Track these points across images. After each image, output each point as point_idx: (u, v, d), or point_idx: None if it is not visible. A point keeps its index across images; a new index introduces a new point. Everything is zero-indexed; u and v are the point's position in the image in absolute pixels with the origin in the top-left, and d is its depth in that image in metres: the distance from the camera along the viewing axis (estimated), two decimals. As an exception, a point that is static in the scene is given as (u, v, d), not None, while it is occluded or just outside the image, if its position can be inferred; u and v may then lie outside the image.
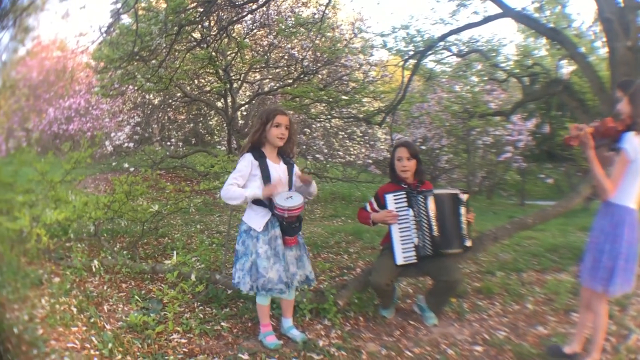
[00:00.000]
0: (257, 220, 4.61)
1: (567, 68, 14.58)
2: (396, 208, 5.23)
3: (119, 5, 8.55)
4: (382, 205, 5.34)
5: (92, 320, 5.01)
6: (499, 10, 9.29)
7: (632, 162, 3.99)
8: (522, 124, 17.17)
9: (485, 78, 17.04)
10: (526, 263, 7.67)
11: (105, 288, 6.15)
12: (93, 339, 4.57)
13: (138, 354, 4.42)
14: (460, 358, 4.67)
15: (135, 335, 4.77)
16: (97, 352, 4.34)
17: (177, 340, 4.78)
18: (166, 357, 4.41)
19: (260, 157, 4.61)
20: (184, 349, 4.61)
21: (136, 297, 5.79)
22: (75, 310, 5.23)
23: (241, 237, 4.70)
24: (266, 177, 4.57)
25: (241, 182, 4.54)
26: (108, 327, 4.95)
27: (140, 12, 8.72)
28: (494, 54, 15.85)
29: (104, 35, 9.73)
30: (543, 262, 7.71)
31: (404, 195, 5.25)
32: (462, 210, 5.23)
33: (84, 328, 4.82)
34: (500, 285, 6.61)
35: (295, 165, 4.93)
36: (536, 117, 17.27)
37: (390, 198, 5.28)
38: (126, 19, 9.84)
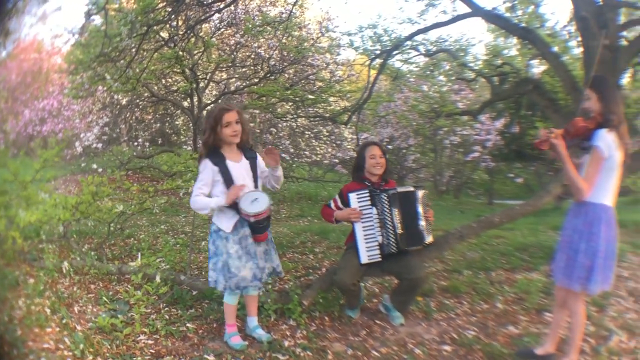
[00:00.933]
0: (226, 222, 4.56)
1: (538, 67, 14.58)
2: (360, 207, 5.19)
3: (92, 7, 8.42)
4: (346, 203, 5.29)
5: (64, 321, 4.88)
6: (468, 10, 9.19)
7: (606, 159, 3.85)
8: (490, 123, 17.19)
9: (453, 78, 16.98)
10: (495, 262, 7.58)
11: (75, 289, 6.00)
12: (66, 339, 4.47)
13: (108, 355, 4.36)
14: (428, 358, 4.56)
15: (104, 336, 4.70)
16: (70, 353, 4.27)
17: (144, 341, 4.71)
18: (134, 358, 4.36)
19: (220, 161, 4.53)
20: (151, 350, 4.55)
21: (104, 298, 5.66)
22: (48, 311, 5.09)
23: (212, 237, 4.66)
24: (228, 181, 4.52)
25: (206, 190, 4.49)
26: (79, 328, 4.82)
27: (111, 13, 8.59)
28: (462, 54, 15.80)
29: (76, 36, 9.59)
30: (512, 261, 7.61)
31: (367, 194, 5.20)
32: (420, 206, 5.24)
33: (57, 329, 4.71)
34: (467, 284, 6.51)
35: (259, 157, 4.85)
36: (505, 117, 17.29)
37: (353, 197, 5.22)
38: (99, 20, 9.72)
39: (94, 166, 12.39)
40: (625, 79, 11.52)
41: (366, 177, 5.44)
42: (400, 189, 5.26)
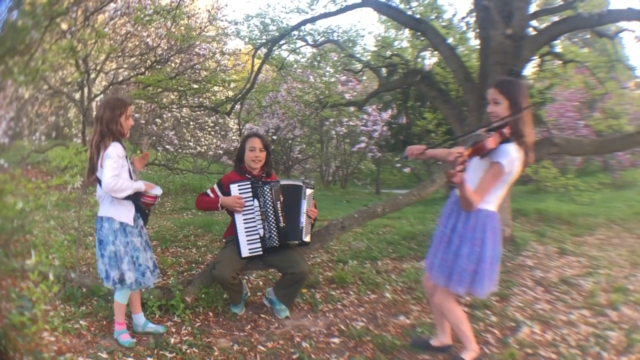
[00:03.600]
0: (127, 215, 4.47)
1: (430, 59, 14.68)
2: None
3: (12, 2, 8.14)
4: (227, 194, 5.18)
5: (-13, 317, 4.73)
6: (358, 0, 9.06)
7: (506, 174, 3.65)
8: (377, 114, 17.27)
9: (340, 68, 16.97)
10: (381, 251, 7.54)
11: (-8, 286, 5.86)
12: (-7, 336, 4.37)
13: (23, 351, 4.27)
14: (316, 351, 4.42)
15: (17, 332, 4.50)
16: (-3, 349, 4.16)
17: (47, 338, 4.60)
18: (43, 355, 4.26)
19: (125, 149, 4.48)
20: (54, 347, 4.45)
21: (13, 295, 5.38)
22: (-25, 308, 4.97)
23: (117, 237, 4.48)
24: (130, 170, 4.50)
25: (118, 172, 4.33)
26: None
27: (26, 7, 8.27)
28: (350, 45, 15.75)
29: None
30: (399, 249, 7.61)
31: (249, 186, 5.09)
32: (304, 204, 5.16)
33: (-16, 325, 4.60)
34: (354, 274, 6.43)
35: None
36: (393, 108, 17.41)
37: (234, 188, 5.09)
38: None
39: (1, 161, 11.91)
40: (531, 69, 11.71)
41: (246, 168, 5.31)
42: (284, 182, 5.17)
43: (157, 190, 4.52)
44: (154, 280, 4.61)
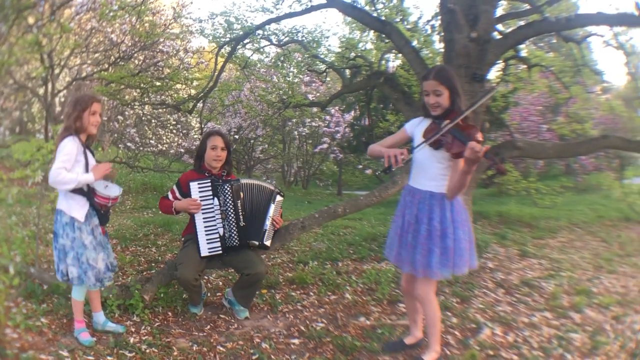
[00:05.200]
0: (79, 210, 4.40)
1: (394, 61, 14.70)
2: (200, 197, 5.03)
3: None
4: (186, 193, 5.11)
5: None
6: (323, 1, 9.03)
7: None
8: (339, 115, 17.24)
9: (304, 69, 16.97)
10: (341, 252, 7.55)
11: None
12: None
13: None
14: (276, 352, 4.39)
15: None
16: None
17: (10, 335, 4.50)
18: (6, 352, 4.17)
19: (83, 144, 4.42)
20: (17, 344, 4.37)
21: None
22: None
23: (64, 230, 4.41)
24: (87, 165, 4.41)
25: (68, 166, 4.26)
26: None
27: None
28: (315, 45, 15.73)
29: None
30: (360, 251, 7.60)
31: (209, 184, 5.03)
32: (272, 208, 5.14)
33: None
34: (314, 275, 6.42)
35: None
36: (355, 110, 17.42)
37: (194, 186, 5.02)
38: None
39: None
40: (495, 73, 11.74)
41: (206, 167, 5.25)
42: (245, 180, 5.15)
43: (112, 191, 4.42)
44: (95, 283, 4.48)
